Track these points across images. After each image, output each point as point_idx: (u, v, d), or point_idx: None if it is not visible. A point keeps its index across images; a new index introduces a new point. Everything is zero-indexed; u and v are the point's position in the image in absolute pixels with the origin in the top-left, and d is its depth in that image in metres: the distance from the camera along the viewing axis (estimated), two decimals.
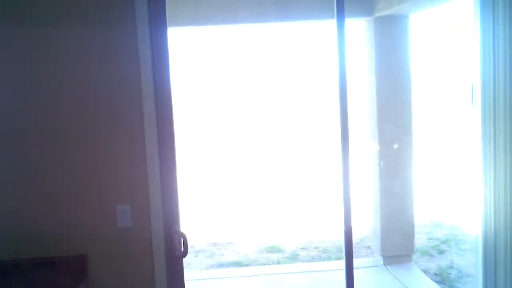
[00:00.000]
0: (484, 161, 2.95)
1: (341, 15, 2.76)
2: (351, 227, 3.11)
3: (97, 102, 2.39)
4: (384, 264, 5.67)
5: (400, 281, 5.31)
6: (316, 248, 7.00)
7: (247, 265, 6.41)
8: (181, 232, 2.51)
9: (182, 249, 2.50)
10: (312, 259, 6.56)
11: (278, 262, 6.47)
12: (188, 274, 2.67)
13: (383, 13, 5.25)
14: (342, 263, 5.68)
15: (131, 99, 2.39)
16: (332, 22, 2.89)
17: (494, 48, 2.81)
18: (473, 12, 2.91)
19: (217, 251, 6.98)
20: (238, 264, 6.46)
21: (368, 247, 6.35)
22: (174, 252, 2.51)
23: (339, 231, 7.56)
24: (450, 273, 5.85)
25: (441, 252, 6.57)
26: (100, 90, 2.38)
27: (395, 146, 5.45)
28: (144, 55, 2.37)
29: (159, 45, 2.39)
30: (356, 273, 3.34)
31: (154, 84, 2.40)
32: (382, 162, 5.46)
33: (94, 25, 2.35)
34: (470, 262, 6.11)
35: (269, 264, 6.40)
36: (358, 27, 5.64)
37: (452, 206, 8.72)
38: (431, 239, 7.11)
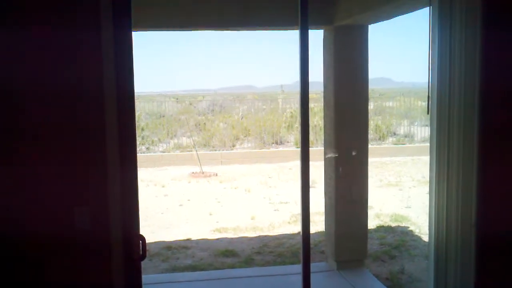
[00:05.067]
0: (438, 168, 3.04)
1: (304, 23, 2.80)
2: (309, 232, 3.15)
3: (58, 103, 2.34)
4: (337, 269, 5.74)
5: (353, 286, 5.39)
6: (271, 252, 7.04)
7: (202, 269, 6.38)
8: (140, 235, 2.49)
9: (141, 252, 2.48)
10: (267, 264, 6.58)
11: (233, 267, 6.47)
12: (143, 278, 2.64)
13: (343, 23, 5.34)
14: (297, 268, 5.76)
15: (94, 101, 2.35)
16: (295, 31, 2.93)
17: (451, 58, 2.90)
18: (430, 23, 3.00)
19: (172, 255, 6.93)
20: (194, 268, 6.42)
21: (322, 252, 6.42)
22: (133, 255, 2.49)
23: (296, 236, 7.68)
24: (401, 278, 5.98)
25: (392, 257, 6.71)
26: (61, 91, 2.34)
27: (353, 153, 5.55)
28: (107, 57, 2.34)
29: (123, 47, 2.37)
30: (310, 277, 3.38)
31: (117, 87, 2.38)
32: (340, 168, 5.55)
33: (57, 26, 2.30)
34: (420, 267, 6.27)
35: (225, 269, 6.38)
36: (319, 36, 5.73)
37: (404, 212, 8.94)
38: (383, 244, 7.25)
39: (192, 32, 5.74)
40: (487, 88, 2.82)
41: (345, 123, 5.59)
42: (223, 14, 5.16)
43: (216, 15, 5.15)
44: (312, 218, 3.47)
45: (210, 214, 9.17)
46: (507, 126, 2.94)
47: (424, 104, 16.55)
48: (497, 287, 3.07)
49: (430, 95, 2.96)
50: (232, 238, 7.75)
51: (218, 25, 5.39)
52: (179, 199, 10.34)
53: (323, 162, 5.84)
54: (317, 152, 7.42)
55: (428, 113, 3.00)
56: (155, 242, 7.34)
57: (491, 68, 2.82)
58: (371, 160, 5.89)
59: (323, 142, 6.09)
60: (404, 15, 4.71)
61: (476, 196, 2.88)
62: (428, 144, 3.24)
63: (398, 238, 7.53)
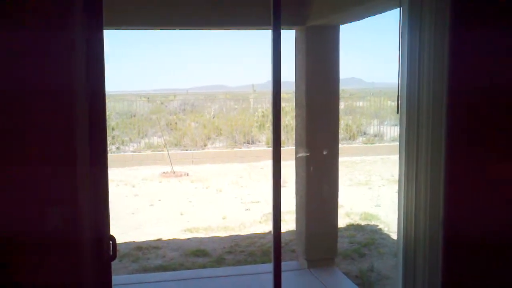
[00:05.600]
0: (407, 167, 3.09)
1: (277, 23, 2.82)
2: (280, 231, 3.17)
3: (28, 102, 2.30)
4: (308, 268, 5.78)
5: (323, 284, 5.44)
6: (242, 252, 7.05)
7: (173, 269, 6.35)
8: (110, 235, 2.47)
9: (111, 253, 2.46)
10: (239, 263, 6.59)
11: (205, 266, 6.46)
12: (113, 279, 2.61)
13: (314, 23, 5.38)
14: (268, 267, 5.79)
15: (64, 100, 2.32)
16: (267, 30, 2.95)
17: (420, 58, 2.95)
18: (401, 24, 3.04)
19: (142, 256, 6.87)
20: (164, 268, 6.38)
21: (293, 251, 6.46)
22: (103, 255, 2.47)
23: (267, 235, 7.70)
24: (370, 276, 6.06)
25: (362, 255, 6.79)
26: (31, 90, 2.30)
27: (325, 152, 5.60)
28: (78, 56, 2.31)
29: (94, 46, 2.34)
30: (281, 276, 3.40)
31: (87, 86, 2.35)
32: (311, 167, 5.59)
33: (27, 25, 2.26)
34: (389, 265, 6.36)
35: (196, 268, 6.37)
36: (291, 36, 5.76)
37: (374, 210, 9.06)
38: (352, 243, 7.33)
39: (164, 31, 5.71)
40: (455, 88, 2.87)
41: (316, 122, 5.63)
42: (195, 13, 5.15)
43: (188, 14, 5.14)
44: (282, 217, 3.49)
45: (181, 214, 9.13)
46: (474, 125, 3.01)
47: (394, 104, 16.78)
48: (464, 283, 3.13)
49: (399, 95, 3.00)
50: (203, 238, 7.73)
51: (190, 24, 5.37)
52: (150, 199, 10.26)
53: (294, 161, 5.88)
54: (288, 151, 7.46)
55: (397, 113, 3.04)
56: (125, 243, 7.27)
57: (459, 69, 2.88)
58: (341, 159, 5.95)
59: (294, 141, 6.12)
60: (375, 16, 4.77)
61: (443, 195, 2.93)
62: (397, 144, 3.30)
63: (367, 237, 7.62)
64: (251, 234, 7.91)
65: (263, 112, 17.14)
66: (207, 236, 7.85)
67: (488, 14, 2.95)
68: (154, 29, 5.85)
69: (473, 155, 3.04)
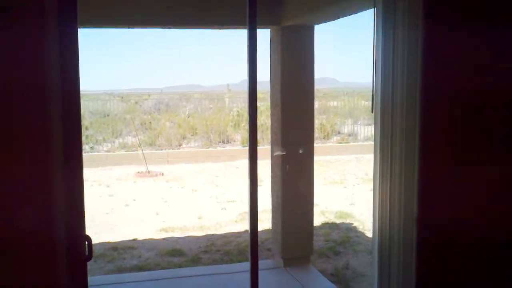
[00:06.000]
0: (382, 165, 3.13)
1: (252, 23, 2.83)
2: (257, 230, 3.18)
3: (1, 101, 2.27)
4: (284, 266, 5.81)
5: (299, 282, 5.47)
6: (218, 251, 7.04)
7: (149, 269, 6.31)
8: (86, 235, 2.45)
9: (86, 253, 2.44)
10: (215, 262, 6.59)
11: (180, 266, 6.44)
12: (89, 280, 2.59)
13: (289, 23, 5.40)
14: (244, 265, 5.80)
15: (38, 99, 2.29)
16: (241, 30, 2.96)
17: (394, 58, 3.00)
18: (375, 24, 3.08)
19: (118, 256, 6.82)
20: (140, 268, 6.34)
21: (269, 250, 6.48)
22: (78, 255, 2.44)
23: (243, 234, 7.71)
24: (345, 274, 6.12)
25: (337, 253, 6.85)
26: (4, 89, 2.26)
27: (300, 151, 5.63)
28: (52, 55, 2.28)
29: (69, 45, 2.32)
30: (258, 275, 3.42)
31: (62, 85, 2.32)
32: (287, 166, 5.61)
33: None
34: (364, 262, 6.43)
35: (171, 268, 6.34)
36: (265, 35, 5.78)
37: (349, 209, 9.14)
38: (328, 241, 7.39)
39: (139, 30, 5.66)
40: (429, 87, 2.92)
41: (292, 122, 5.66)
42: (170, 12, 5.13)
43: (162, 13, 5.12)
44: (258, 216, 3.51)
45: (157, 214, 9.08)
46: (448, 124, 3.06)
47: (367, 103, 16.99)
48: (437, 280, 3.19)
49: (374, 94, 3.04)
50: (179, 238, 7.71)
51: (165, 23, 5.35)
52: (125, 199, 10.18)
53: (270, 160, 5.90)
54: (263, 150, 7.48)
55: (372, 112, 3.08)
56: (100, 243, 7.21)
57: (432, 68, 2.93)
58: (316, 158, 5.99)
59: (269, 141, 6.14)
60: (349, 16, 4.81)
61: (417, 193, 2.98)
62: (371, 143, 3.33)
63: (342, 235, 7.70)
64: (227, 233, 7.92)
65: (238, 111, 17.15)
66: (182, 235, 7.83)
67: (460, 14, 3.01)
68: (128, 28, 5.81)
69: (447, 154, 3.10)
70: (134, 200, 10.22)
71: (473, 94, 3.09)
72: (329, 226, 8.17)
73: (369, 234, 7.52)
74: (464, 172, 3.14)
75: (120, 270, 6.31)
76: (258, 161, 3.33)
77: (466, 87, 3.07)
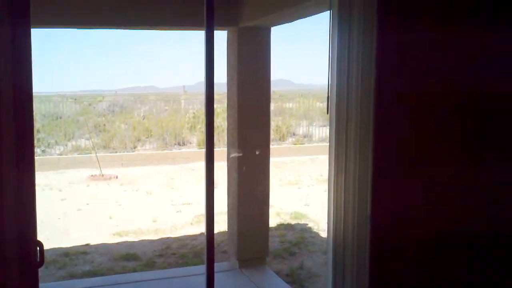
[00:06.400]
0: (336, 165, 3.17)
1: (210, 24, 2.82)
2: (213, 232, 3.17)
3: None
4: (239, 268, 5.82)
5: (255, 284, 5.49)
6: (173, 254, 6.98)
7: (102, 274, 6.19)
8: (37, 241, 2.39)
9: (38, 259, 2.38)
10: (170, 266, 6.53)
11: (135, 270, 6.35)
12: (40, 287, 2.53)
13: (246, 24, 5.41)
14: (199, 268, 5.78)
15: None
16: (197, 31, 2.95)
17: (349, 61, 3.04)
18: (330, 27, 3.12)
19: (70, 262, 6.66)
20: (93, 274, 6.22)
21: (225, 252, 6.47)
22: (29, 261, 2.38)
23: (198, 236, 7.66)
24: (300, 274, 6.17)
25: (292, 254, 6.91)
26: None
27: (257, 153, 5.65)
28: (4, 55, 2.21)
29: (21, 45, 2.25)
30: (214, 277, 3.40)
31: (13, 86, 2.26)
32: (244, 168, 5.62)
33: None
34: (318, 263, 6.51)
35: (126, 273, 6.25)
36: (222, 37, 5.77)
37: (303, 210, 9.23)
38: (283, 242, 7.44)
39: (94, 30, 5.55)
40: (382, 89, 2.98)
41: (248, 123, 5.67)
42: (125, 12, 5.05)
43: (117, 13, 5.04)
44: (214, 218, 3.49)
45: (110, 218, 8.93)
46: (401, 125, 3.13)
47: (322, 105, 17.18)
48: (391, 279, 3.26)
49: (329, 95, 3.08)
50: (133, 242, 7.60)
51: (119, 24, 5.27)
52: (77, 203, 9.96)
53: (226, 162, 5.89)
54: (219, 153, 7.45)
55: (327, 113, 3.12)
56: (51, 249, 7.03)
57: (386, 70, 2.99)
58: (272, 160, 6.02)
59: (225, 143, 6.14)
60: (306, 18, 4.86)
61: (370, 192, 3.03)
62: (325, 144, 3.38)
63: (297, 235, 7.76)
64: (182, 236, 7.86)
65: (194, 113, 17.06)
66: (137, 239, 7.72)
67: (414, 16, 3.08)
68: (82, 28, 5.69)
69: (400, 155, 3.17)
70: (87, 204, 10.01)
71: (426, 95, 3.18)
72: (285, 227, 8.23)
73: (324, 234, 7.61)
74: (417, 171, 3.23)
75: (72, 276, 6.17)
76: (215, 163, 3.32)
77: (419, 88, 3.15)
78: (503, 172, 3.45)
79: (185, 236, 7.85)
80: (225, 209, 6.00)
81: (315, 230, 8.06)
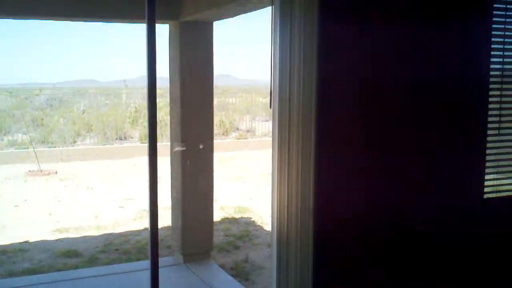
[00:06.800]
0: (280, 159, 3.22)
1: (152, 17, 2.80)
2: (157, 227, 3.16)
3: None
4: (184, 262, 5.81)
5: (200, 278, 5.50)
6: (116, 250, 6.88)
7: (42, 272, 6.04)
8: None
9: None
10: (113, 262, 6.43)
11: (77, 267, 6.22)
12: None
13: (188, 18, 5.38)
14: (143, 264, 5.74)
15: None
16: (138, 24, 2.92)
17: (291, 56, 3.09)
18: (273, 22, 3.16)
19: (7, 260, 6.45)
20: (33, 271, 6.05)
21: (169, 247, 6.44)
22: None
23: (142, 232, 7.60)
24: (245, 267, 6.22)
25: (236, 247, 6.95)
26: None
27: (201, 147, 5.64)
28: None
29: None
30: (159, 272, 3.39)
31: None
32: (188, 162, 5.61)
33: None
34: (263, 255, 6.58)
35: (67, 270, 6.11)
36: (165, 30, 5.71)
37: (247, 203, 9.30)
38: (227, 235, 7.48)
39: (31, 21, 5.38)
40: (323, 84, 3.05)
41: (191, 118, 5.66)
42: (63, 3, 4.92)
43: (55, 4, 4.90)
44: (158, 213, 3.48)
45: (50, 214, 8.70)
46: (343, 118, 3.22)
47: (265, 100, 17.31)
48: (334, 267, 3.35)
49: (272, 90, 3.12)
50: (74, 238, 7.43)
51: (57, 15, 5.13)
52: (15, 200, 9.64)
53: (169, 157, 5.86)
54: (162, 147, 7.39)
55: (270, 108, 3.16)
56: None
57: (328, 63, 3.06)
58: (216, 154, 6.04)
59: (168, 137, 6.10)
60: (248, 13, 4.88)
61: (313, 184, 3.10)
62: (268, 138, 3.42)
63: (242, 229, 7.82)
64: (125, 231, 7.75)
65: (136, 107, 16.81)
66: (78, 236, 7.56)
67: (356, 12, 3.17)
68: (18, 19, 5.51)
69: (343, 148, 3.25)
70: (25, 200, 9.70)
71: (368, 88, 3.28)
72: (229, 221, 8.26)
73: (267, 227, 7.70)
74: (359, 164, 3.32)
75: (11, 274, 5.97)
76: (158, 158, 3.31)
77: (361, 81, 3.25)
78: (443, 163, 3.61)
79: (128, 231, 7.75)
80: (169, 204, 5.97)
81: (259, 224, 8.14)
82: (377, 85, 3.30)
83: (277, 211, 3.30)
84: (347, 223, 3.33)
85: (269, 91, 3.16)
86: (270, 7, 3.11)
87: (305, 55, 3.02)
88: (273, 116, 3.19)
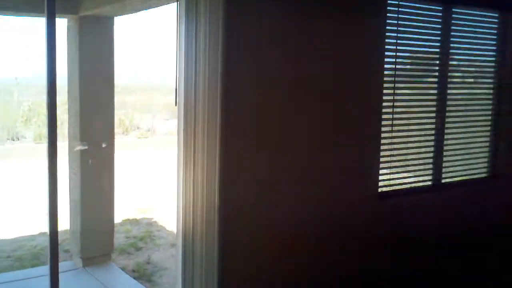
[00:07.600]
0: (185, 158, 3.20)
1: (51, 11, 2.67)
2: (57, 232, 3.02)
3: None
4: (83, 266, 5.62)
5: (100, 282, 5.34)
6: (8, 257, 6.49)
7: None
8: None
9: None
10: (4, 270, 6.06)
11: None
12: None
13: (87, 13, 5.19)
14: (40, 270, 5.46)
15: None
16: (33, 18, 2.78)
17: (196, 53, 3.08)
18: (178, 19, 3.13)
19: None
20: None
21: (67, 251, 6.18)
22: None
23: (37, 237, 7.23)
24: (147, 269, 6.12)
25: (138, 249, 6.82)
26: None
27: (104, 145, 5.47)
28: None
29: None
30: (59, 278, 3.25)
31: None
32: (90, 161, 5.42)
33: None
34: (166, 256, 6.51)
35: None
36: (63, 25, 5.47)
37: (149, 204, 9.15)
38: (128, 237, 7.32)
39: None
40: (228, 83, 3.08)
41: (91, 116, 5.48)
42: None
43: None
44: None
45: None
46: (246, 118, 3.26)
47: (166, 98, 17.07)
48: (239, 265, 3.38)
49: (177, 88, 3.10)
50: None
51: None
52: None
53: (67, 157, 5.62)
54: (59, 147, 7.09)
55: (176, 105, 3.14)
56: None
57: (232, 63, 3.09)
58: (116, 154, 5.87)
59: (66, 136, 5.85)
60: (153, 9, 4.78)
61: (218, 182, 3.12)
62: (170, 137, 3.39)
63: (143, 230, 7.68)
64: (18, 237, 7.32)
65: (29, 106, 15.96)
66: None
67: (261, 10, 3.22)
68: None
69: (247, 147, 3.29)
70: None
71: (272, 86, 3.34)
72: (130, 222, 8.09)
73: (170, 227, 7.62)
74: (266, 162, 3.38)
75: None
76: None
77: (267, 77, 3.30)
78: (341, 159, 3.76)
79: (21, 237, 7.33)
80: (67, 206, 5.72)
81: (161, 224, 8.03)
82: (282, 82, 3.38)
83: (182, 210, 3.29)
84: (254, 221, 3.38)
85: (173, 89, 3.13)
86: (175, 3, 3.09)
87: (210, 52, 3.03)
88: (179, 115, 3.17)
